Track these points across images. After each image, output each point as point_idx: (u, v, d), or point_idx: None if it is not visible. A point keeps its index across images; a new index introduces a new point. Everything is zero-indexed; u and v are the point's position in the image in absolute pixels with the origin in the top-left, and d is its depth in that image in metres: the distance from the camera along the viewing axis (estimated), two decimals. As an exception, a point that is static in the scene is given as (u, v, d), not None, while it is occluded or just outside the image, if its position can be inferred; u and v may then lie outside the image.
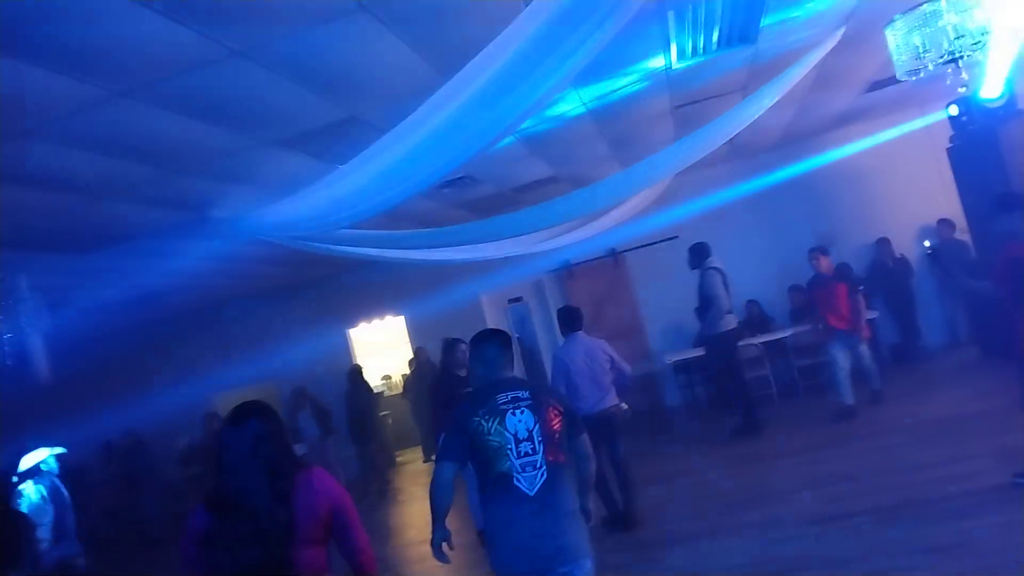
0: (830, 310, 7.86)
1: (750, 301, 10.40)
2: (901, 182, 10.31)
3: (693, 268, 8.41)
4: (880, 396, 7.94)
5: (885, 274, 10.09)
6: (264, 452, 2.62)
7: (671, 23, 5.00)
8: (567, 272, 11.60)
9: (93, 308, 9.66)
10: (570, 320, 6.29)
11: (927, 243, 5.81)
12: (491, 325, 11.91)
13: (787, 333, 9.61)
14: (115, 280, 8.51)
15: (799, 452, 6.97)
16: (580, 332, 6.20)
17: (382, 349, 13.67)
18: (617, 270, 11.43)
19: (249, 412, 2.71)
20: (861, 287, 8.09)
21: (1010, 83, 7.45)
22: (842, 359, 7.80)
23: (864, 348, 7.89)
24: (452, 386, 6.24)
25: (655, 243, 11.06)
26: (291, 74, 4.28)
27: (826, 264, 8.00)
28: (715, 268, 8.24)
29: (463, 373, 6.40)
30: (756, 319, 10.30)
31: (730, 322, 8.22)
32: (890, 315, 10.14)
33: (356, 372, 10.69)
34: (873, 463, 5.98)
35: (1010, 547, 3.93)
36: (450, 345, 6.61)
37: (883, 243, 10.19)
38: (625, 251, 11.32)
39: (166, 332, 12.61)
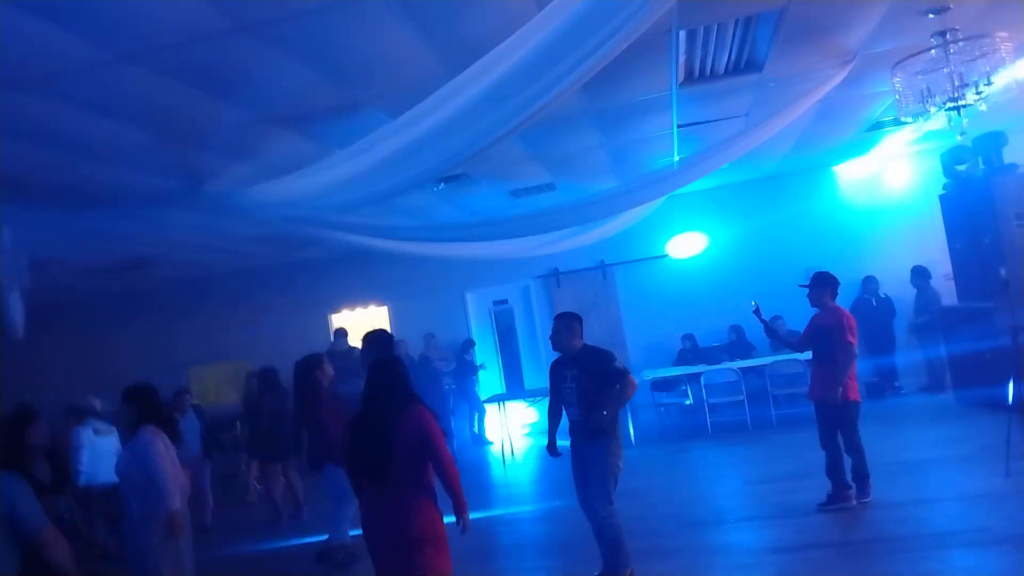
0: None
1: (685, 335, 10.58)
2: (893, 223, 10.43)
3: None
4: None
5: (867, 312, 10.16)
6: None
7: (681, 43, 5.03)
8: (554, 279, 11.62)
9: (77, 269, 9.59)
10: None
11: (753, 302, 6.12)
12: (474, 324, 11.93)
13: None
14: (102, 243, 8.44)
15: (765, 480, 7.01)
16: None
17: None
18: (604, 282, 11.46)
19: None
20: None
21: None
22: None
23: None
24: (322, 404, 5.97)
25: (644, 259, 11.12)
26: (297, 53, 4.26)
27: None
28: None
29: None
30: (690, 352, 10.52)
31: None
32: (868, 353, 10.21)
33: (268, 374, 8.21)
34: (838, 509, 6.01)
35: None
36: (315, 363, 6.24)
37: (869, 281, 10.28)
38: (614, 264, 11.36)
39: (148, 300, 12.55)
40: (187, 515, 4.35)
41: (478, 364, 11.34)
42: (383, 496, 3.56)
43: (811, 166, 10.55)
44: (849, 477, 5.74)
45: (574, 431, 4.77)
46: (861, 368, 9.16)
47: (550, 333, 4.89)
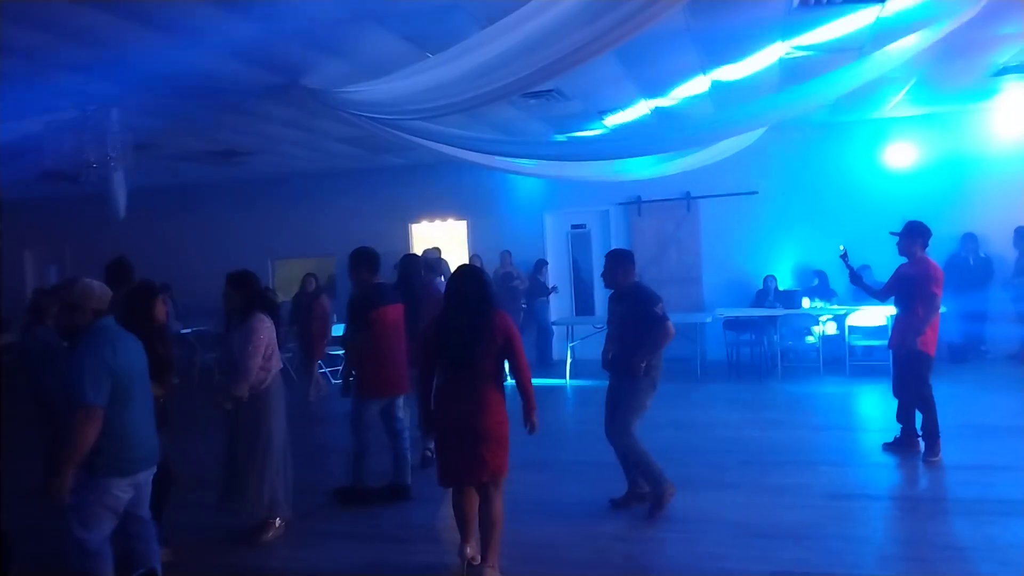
0: None
1: (767, 276, 10.32)
2: (1003, 179, 9.70)
3: None
4: None
5: (962, 271, 9.65)
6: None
7: (800, -37, 4.72)
8: (636, 207, 11.43)
9: (175, 154, 9.98)
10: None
11: (841, 247, 6.15)
12: (551, 246, 11.92)
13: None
14: (199, 130, 8.71)
15: (831, 427, 6.93)
16: None
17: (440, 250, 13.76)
18: (688, 214, 11.20)
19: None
20: None
21: None
22: None
23: None
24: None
25: (733, 195, 10.79)
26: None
27: None
28: None
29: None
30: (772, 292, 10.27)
31: None
32: (958, 313, 9.74)
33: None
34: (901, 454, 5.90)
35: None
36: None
37: (969, 239, 9.73)
38: (700, 197, 11.06)
39: (239, 190, 13.02)
40: (280, 394, 4.65)
41: (551, 286, 11.39)
42: (461, 387, 3.77)
43: (922, 111, 9.90)
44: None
45: (612, 365, 4.91)
46: (948, 328, 8.81)
47: (601, 269, 4.97)
